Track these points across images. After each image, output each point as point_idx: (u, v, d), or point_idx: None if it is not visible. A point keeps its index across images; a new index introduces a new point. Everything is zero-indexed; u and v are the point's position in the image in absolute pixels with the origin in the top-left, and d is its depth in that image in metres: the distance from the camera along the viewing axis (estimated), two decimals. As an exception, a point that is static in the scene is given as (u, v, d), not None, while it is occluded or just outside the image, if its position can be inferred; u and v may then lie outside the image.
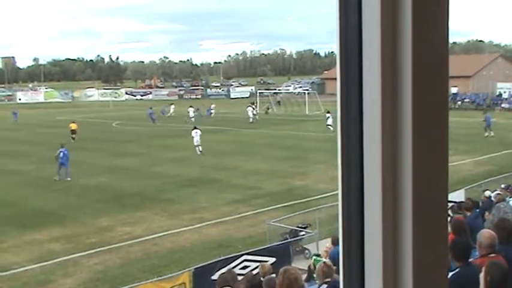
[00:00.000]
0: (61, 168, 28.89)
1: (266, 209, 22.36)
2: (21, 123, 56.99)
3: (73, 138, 42.71)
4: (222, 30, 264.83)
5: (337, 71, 1.25)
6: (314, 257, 12.84)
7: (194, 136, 36.60)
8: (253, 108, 58.31)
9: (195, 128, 37.62)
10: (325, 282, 8.01)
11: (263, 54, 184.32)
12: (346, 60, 1.23)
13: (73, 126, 44.16)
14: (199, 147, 36.12)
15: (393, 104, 1.17)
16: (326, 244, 13.06)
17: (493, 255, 6.22)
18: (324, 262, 8.54)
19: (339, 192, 1.28)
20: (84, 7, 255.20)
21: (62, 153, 28.93)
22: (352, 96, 1.22)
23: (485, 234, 6.64)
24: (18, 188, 27.46)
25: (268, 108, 64.26)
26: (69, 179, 28.55)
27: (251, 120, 54.95)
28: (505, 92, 68.37)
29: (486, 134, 40.58)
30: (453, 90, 64.54)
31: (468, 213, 12.08)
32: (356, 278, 1.25)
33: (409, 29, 1.15)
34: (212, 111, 62.06)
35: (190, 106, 59.90)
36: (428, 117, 1.18)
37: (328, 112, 45.22)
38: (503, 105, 64.27)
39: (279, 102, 72.40)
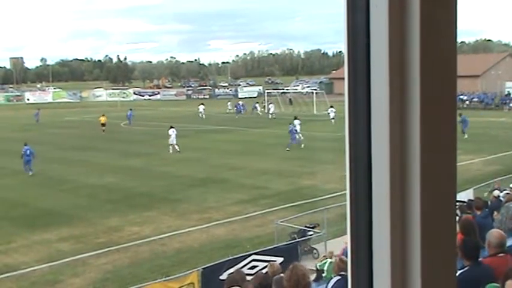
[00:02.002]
0: (27, 164, 30.86)
1: (274, 208, 22.35)
2: (30, 123, 57.20)
3: (103, 131, 48.27)
4: (230, 30, 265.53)
5: (345, 70, 1.25)
6: (319, 264, 12.93)
7: (171, 134, 37.26)
8: (274, 105, 59.74)
9: (171, 127, 37.96)
10: (339, 275, 8.44)
11: (271, 54, 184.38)
12: (354, 60, 1.23)
13: (102, 119, 49.24)
14: (176, 145, 36.75)
15: (401, 103, 1.17)
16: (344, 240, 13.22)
17: (502, 254, 6.21)
18: (340, 258, 9.32)
19: (347, 192, 1.28)
20: (93, 8, 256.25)
21: (28, 151, 31.00)
22: (360, 95, 1.22)
23: (495, 233, 6.63)
24: (26, 188, 27.60)
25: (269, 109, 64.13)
26: (32, 172, 30.57)
27: (270, 116, 55.96)
28: (513, 92, 68.09)
29: (466, 137, 36.92)
30: (462, 97, 64.17)
31: (478, 212, 12.04)
32: (364, 278, 1.25)
33: (417, 28, 1.15)
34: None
35: (201, 104, 61.69)
36: (436, 117, 1.18)
37: (332, 107, 45.59)
38: (511, 104, 63.94)
39: (290, 100, 72.45)
